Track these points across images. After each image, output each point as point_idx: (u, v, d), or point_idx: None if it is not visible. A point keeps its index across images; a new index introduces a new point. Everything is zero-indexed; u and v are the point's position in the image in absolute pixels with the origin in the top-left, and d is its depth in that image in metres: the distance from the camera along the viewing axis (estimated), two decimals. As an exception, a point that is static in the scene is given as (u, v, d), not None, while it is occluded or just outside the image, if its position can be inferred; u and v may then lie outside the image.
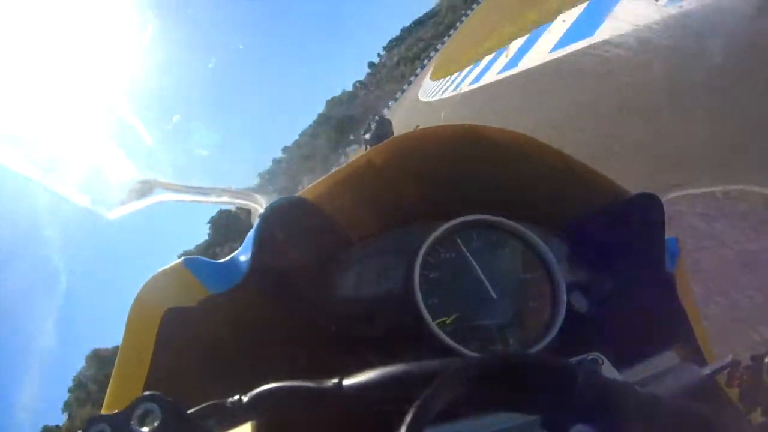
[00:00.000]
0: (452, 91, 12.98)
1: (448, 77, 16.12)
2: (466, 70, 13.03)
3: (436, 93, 16.30)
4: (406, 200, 0.69)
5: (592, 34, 5.49)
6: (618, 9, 5.32)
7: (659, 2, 4.49)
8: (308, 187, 0.65)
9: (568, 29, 6.47)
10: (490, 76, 9.35)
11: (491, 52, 10.71)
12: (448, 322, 0.59)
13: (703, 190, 2.33)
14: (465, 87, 11.39)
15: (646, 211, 0.61)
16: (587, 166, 0.67)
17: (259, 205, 0.63)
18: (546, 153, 0.67)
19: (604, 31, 5.25)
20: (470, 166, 0.68)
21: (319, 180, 0.65)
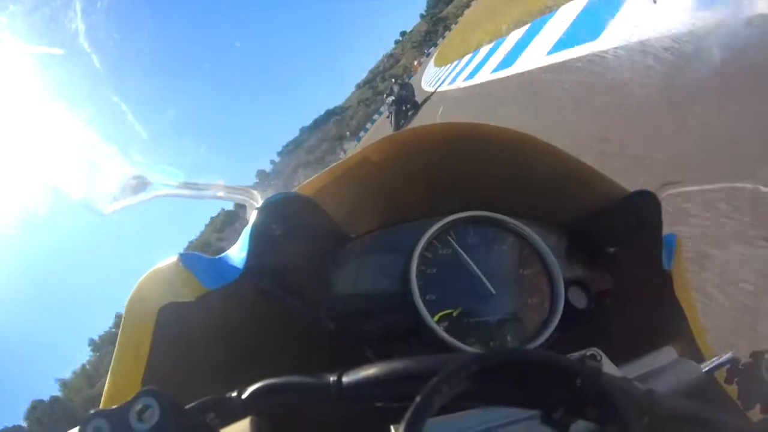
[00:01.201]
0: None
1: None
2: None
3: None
4: (403, 196, 0.69)
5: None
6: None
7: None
8: (305, 182, 0.64)
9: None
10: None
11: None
12: (446, 317, 0.58)
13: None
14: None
15: (643, 208, 0.62)
16: (584, 164, 0.67)
17: (255, 201, 0.63)
18: (543, 150, 0.67)
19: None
20: (468, 164, 0.68)
21: (316, 175, 0.65)
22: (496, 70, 8.27)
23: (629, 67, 3.55)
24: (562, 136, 3.20)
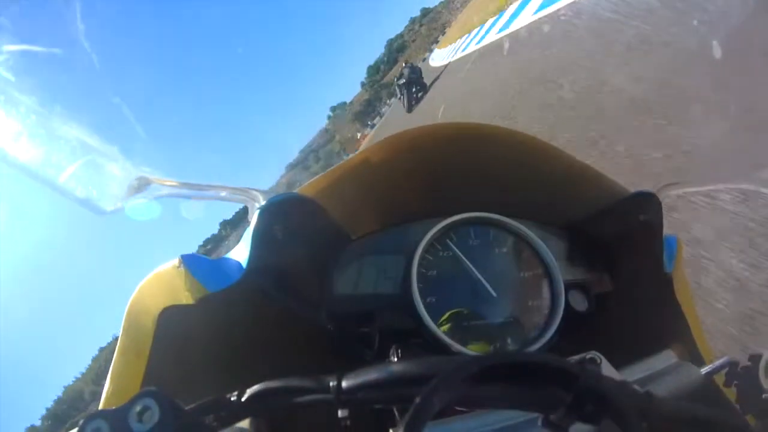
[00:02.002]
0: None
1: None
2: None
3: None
4: (404, 197, 0.69)
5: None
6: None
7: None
8: (306, 183, 0.64)
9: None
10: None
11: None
12: (445, 320, 0.58)
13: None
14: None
15: (644, 210, 0.62)
16: (585, 165, 0.67)
17: (257, 202, 0.63)
18: (544, 151, 0.67)
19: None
20: (468, 164, 0.67)
21: (318, 176, 0.65)
22: (501, 30, 11.20)
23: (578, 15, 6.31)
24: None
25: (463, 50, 14.55)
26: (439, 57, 22.52)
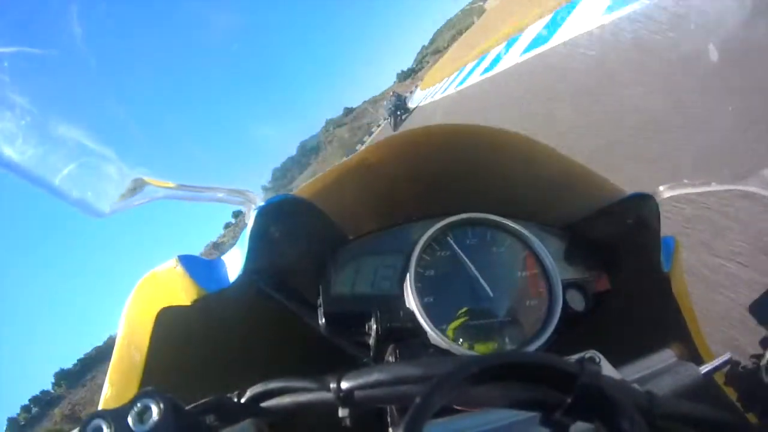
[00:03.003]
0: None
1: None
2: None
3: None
4: (402, 198, 0.69)
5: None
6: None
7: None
8: (304, 184, 0.64)
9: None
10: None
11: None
12: (445, 319, 0.58)
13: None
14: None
15: (641, 210, 0.62)
16: (583, 166, 0.67)
17: (254, 204, 0.63)
18: (542, 152, 0.67)
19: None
20: (466, 165, 0.67)
21: (315, 178, 0.65)
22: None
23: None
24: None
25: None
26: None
